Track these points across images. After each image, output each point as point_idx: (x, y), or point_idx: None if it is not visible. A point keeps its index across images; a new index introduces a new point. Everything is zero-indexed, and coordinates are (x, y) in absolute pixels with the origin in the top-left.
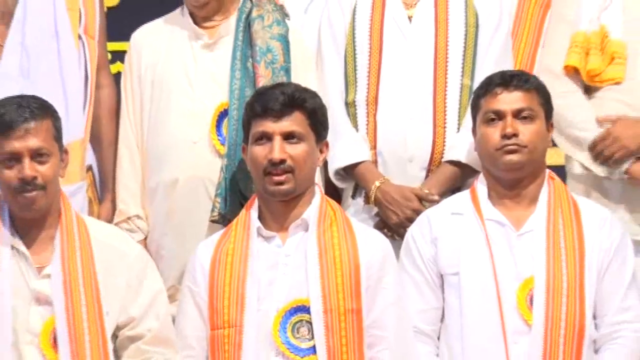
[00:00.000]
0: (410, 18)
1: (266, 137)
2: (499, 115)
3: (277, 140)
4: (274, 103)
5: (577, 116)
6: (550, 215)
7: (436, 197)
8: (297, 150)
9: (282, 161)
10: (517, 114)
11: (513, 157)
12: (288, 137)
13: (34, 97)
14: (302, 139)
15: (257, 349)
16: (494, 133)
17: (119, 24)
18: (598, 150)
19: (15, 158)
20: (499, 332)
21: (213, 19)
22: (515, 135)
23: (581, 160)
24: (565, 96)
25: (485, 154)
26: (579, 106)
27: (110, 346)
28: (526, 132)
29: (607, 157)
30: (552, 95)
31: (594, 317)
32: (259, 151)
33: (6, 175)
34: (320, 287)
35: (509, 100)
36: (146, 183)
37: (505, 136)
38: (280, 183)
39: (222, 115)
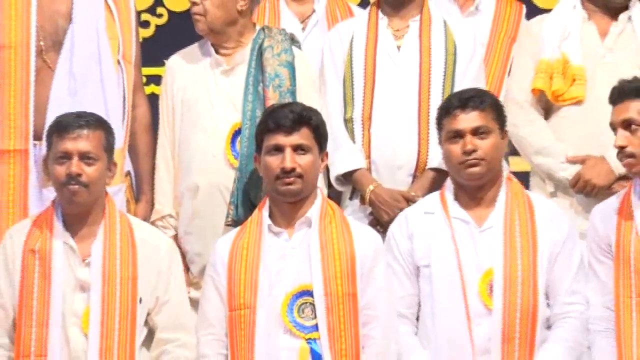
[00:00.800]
0: (398, 47)
1: (278, 149)
2: (459, 134)
3: (288, 151)
4: (285, 120)
5: (542, 142)
6: (507, 213)
7: (420, 198)
8: (304, 160)
9: (293, 169)
10: (475, 132)
11: (474, 170)
12: (297, 149)
13: (93, 114)
14: (308, 150)
15: (268, 327)
16: (456, 149)
17: (152, 52)
18: (576, 192)
19: (66, 157)
20: (464, 316)
21: (225, 47)
22: (474, 151)
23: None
24: (529, 124)
25: (450, 166)
26: (543, 134)
27: (139, 331)
28: (484, 146)
29: (585, 195)
30: (517, 123)
31: (548, 299)
32: (272, 161)
33: (57, 170)
34: (321, 275)
35: (467, 120)
36: (176, 188)
37: (465, 152)
38: (290, 184)
39: (237, 133)
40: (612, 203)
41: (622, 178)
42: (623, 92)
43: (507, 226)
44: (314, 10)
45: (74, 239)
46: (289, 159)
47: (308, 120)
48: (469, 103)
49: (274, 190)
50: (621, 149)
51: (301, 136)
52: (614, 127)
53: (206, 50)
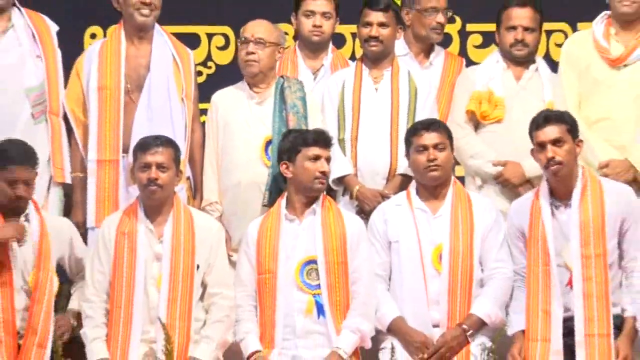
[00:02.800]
0: (376, 89)
1: (317, 158)
2: (425, 147)
3: (323, 161)
4: (323, 139)
5: (474, 149)
6: (453, 205)
7: (392, 196)
8: (329, 168)
9: (325, 173)
10: (436, 146)
11: (435, 174)
12: (328, 160)
13: (166, 136)
14: (330, 161)
15: (285, 286)
16: (422, 158)
17: (204, 93)
18: (497, 183)
19: (147, 166)
20: (421, 277)
21: (258, 86)
22: (435, 159)
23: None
24: (465, 137)
25: (416, 171)
26: (474, 144)
27: (196, 289)
28: (441, 157)
29: (503, 186)
30: (457, 136)
31: (481, 265)
32: (312, 166)
33: (141, 176)
34: (323, 248)
35: (430, 138)
36: (220, 185)
37: (429, 160)
38: (324, 183)
39: (268, 143)
40: (525, 200)
41: (528, 181)
42: (549, 118)
43: (453, 214)
44: (322, 64)
45: (152, 224)
46: (326, 166)
47: (332, 142)
48: (431, 126)
49: (310, 186)
50: (552, 159)
51: (330, 152)
52: (544, 145)
53: (243, 88)
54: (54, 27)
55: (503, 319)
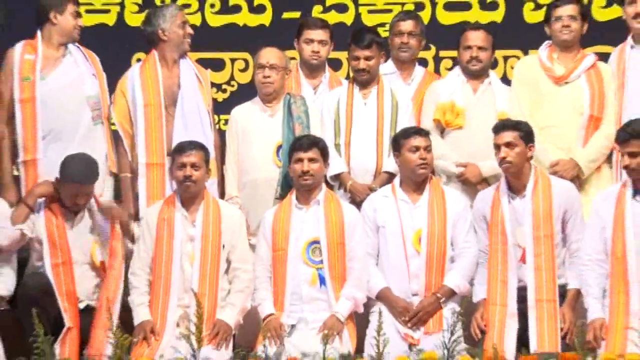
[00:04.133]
0: (365, 103)
1: (300, 160)
2: (417, 148)
3: (305, 161)
4: (304, 143)
5: (440, 152)
6: (430, 197)
7: (378, 189)
8: (315, 166)
9: (308, 172)
10: (425, 148)
11: (424, 171)
12: (311, 160)
13: (198, 141)
14: (317, 161)
15: (294, 261)
16: (414, 157)
17: (228, 107)
18: (459, 181)
19: (183, 166)
20: (403, 256)
21: (271, 101)
22: (425, 159)
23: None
24: (433, 142)
25: (407, 168)
26: (440, 146)
27: (222, 265)
28: (429, 157)
29: (464, 184)
30: None
31: (452, 245)
32: (297, 166)
33: (178, 174)
34: (325, 231)
35: (421, 140)
36: (239, 182)
37: (421, 159)
38: (306, 180)
39: (279, 148)
40: (488, 191)
41: (484, 180)
42: (505, 126)
43: (430, 205)
44: (321, 81)
45: (187, 211)
46: (306, 166)
47: (317, 144)
48: (422, 132)
49: (298, 184)
50: (503, 158)
51: (313, 153)
52: (499, 147)
53: (257, 103)
54: (96, 57)
55: (469, 289)
